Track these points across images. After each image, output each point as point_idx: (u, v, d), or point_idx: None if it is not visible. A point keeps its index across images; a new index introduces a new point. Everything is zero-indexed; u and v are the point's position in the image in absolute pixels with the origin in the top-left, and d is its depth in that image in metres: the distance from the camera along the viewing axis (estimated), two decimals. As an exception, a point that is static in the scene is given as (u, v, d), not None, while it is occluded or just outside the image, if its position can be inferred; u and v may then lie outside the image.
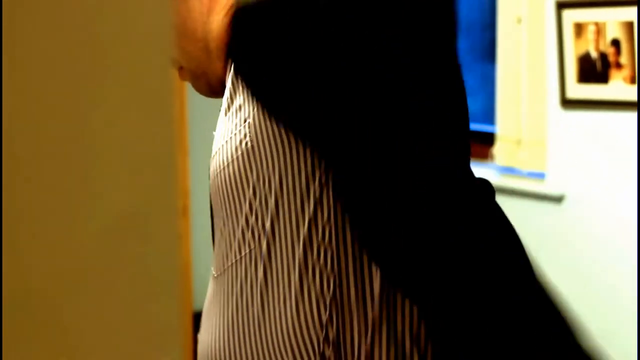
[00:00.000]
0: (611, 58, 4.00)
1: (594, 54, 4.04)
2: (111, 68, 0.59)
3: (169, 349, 0.61)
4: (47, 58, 0.56)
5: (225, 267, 1.39)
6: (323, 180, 1.29)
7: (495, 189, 1.46)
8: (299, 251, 1.31)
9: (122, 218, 0.53)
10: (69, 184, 0.52)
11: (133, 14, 0.60)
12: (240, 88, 1.35)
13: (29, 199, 0.53)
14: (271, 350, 1.34)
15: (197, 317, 1.69)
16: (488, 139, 4.64)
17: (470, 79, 4.84)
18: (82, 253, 0.55)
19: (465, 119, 1.36)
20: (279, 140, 1.30)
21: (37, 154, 0.55)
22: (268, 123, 1.30)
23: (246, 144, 1.33)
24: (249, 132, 1.32)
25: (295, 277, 1.31)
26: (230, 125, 1.36)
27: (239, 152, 1.33)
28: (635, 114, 3.96)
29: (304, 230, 1.30)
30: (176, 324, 0.61)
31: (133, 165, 0.56)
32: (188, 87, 1.58)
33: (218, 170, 1.38)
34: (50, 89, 0.56)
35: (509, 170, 4.52)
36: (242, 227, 1.35)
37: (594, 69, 4.06)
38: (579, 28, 4.07)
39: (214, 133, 1.43)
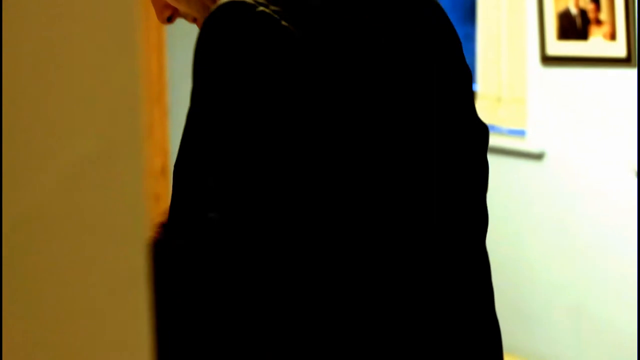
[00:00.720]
0: (591, 15, 3.99)
1: (573, 11, 4.03)
2: (73, 6, 0.58)
3: (134, 301, 0.60)
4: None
5: None
6: None
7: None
8: None
9: (84, 164, 0.52)
10: (28, 126, 0.51)
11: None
12: None
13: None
14: None
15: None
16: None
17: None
18: (43, 198, 0.54)
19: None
20: None
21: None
22: None
23: None
24: None
25: None
26: None
27: None
28: (615, 70, 3.96)
29: None
30: (144, 277, 0.60)
31: (96, 109, 0.55)
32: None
33: None
34: (12, 30, 0.54)
35: (489, 128, 4.52)
36: None
37: (573, 26, 4.05)
38: (559, -16, 4.06)
39: None
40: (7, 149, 0.50)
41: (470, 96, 1.49)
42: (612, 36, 3.93)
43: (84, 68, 0.54)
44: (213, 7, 1.28)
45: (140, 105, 0.56)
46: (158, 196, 3.71)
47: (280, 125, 1.23)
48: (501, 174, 4.38)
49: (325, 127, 1.25)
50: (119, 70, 0.55)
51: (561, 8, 4.06)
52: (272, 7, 1.24)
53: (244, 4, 1.24)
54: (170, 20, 1.55)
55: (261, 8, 1.23)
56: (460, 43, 1.49)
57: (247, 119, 1.23)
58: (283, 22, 1.23)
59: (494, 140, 4.37)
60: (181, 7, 1.49)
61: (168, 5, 1.52)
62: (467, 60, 1.49)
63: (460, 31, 1.48)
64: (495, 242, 4.46)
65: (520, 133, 4.40)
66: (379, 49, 1.31)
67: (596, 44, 3.99)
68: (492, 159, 4.41)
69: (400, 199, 1.33)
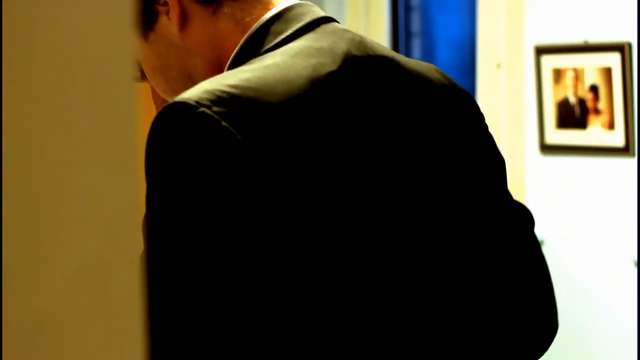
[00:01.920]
0: (589, 104, 4.02)
1: (572, 100, 4.07)
2: (76, 121, 0.59)
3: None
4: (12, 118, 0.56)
5: None
6: None
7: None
8: None
9: (83, 271, 0.53)
10: (27, 237, 0.52)
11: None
12: None
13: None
14: None
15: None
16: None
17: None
18: (43, 306, 0.54)
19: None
20: None
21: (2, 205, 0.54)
22: None
23: None
24: None
25: None
26: None
27: None
28: (613, 159, 3.98)
29: None
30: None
31: (94, 218, 0.56)
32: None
33: None
34: (13, 140, 0.55)
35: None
36: None
37: (572, 115, 4.08)
38: (558, 74, 4.10)
39: None
40: (9, 258, 0.51)
41: (502, 183, 1.49)
42: (611, 125, 3.96)
43: (84, 179, 0.55)
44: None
45: (137, 214, 0.57)
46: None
47: (226, 226, 1.23)
48: (500, 261, 4.38)
49: (274, 227, 1.25)
50: (117, 182, 0.56)
51: (560, 97, 4.10)
52: (215, 108, 1.25)
53: (186, 105, 1.25)
54: None
55: (202, 109, 1.25)
56: (487, 131, 1.49)
57: (194, 221, 1.24)
58: (224, 123, 1.24)
59: (493, 228, 4.37)
60: None
61: (165, 101, 1.53)
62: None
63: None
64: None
65: (519, 220, 4.40)
66: (340, 144, 1.31)
67: (595, 133, 4.02)
68: (491, 246, 4.42)
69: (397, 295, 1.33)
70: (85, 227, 0.57)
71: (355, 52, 1.38)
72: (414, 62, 1.45)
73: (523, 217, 1.49)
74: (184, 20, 1.44)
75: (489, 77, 4.57)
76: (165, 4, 1.44)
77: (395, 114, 1.37)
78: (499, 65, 4.52)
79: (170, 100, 1.52)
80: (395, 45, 5.04)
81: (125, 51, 0.62)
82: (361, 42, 1.40)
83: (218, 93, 1.26)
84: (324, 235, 1.28)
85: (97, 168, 0.56)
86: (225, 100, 1.26)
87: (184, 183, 1.24)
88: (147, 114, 1.56)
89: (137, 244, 0.57)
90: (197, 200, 1.24)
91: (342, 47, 1.37)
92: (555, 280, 4.45)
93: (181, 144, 1.25)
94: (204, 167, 1.23)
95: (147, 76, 1.52)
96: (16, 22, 0.57)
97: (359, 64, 1.37)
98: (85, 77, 0.60)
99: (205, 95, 1.26)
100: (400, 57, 1.44)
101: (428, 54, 5.15)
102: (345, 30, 1.42)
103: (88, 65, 0.60)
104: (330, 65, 1.34)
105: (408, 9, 5.11)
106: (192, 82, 1.44)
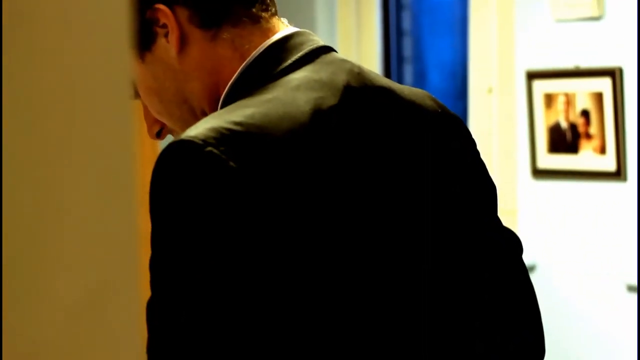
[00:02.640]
0: (581, 128, 4.04)
1: (564, 124, 4.08)
2: (76, 149, 0.59)
3: None
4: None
5: None
6: None
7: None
8: None
9: (80, 305, 0.53)
10: (23, 271, 0.52)
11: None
12: None
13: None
14: None
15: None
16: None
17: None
18: (41, 336, 0.54)
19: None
20: None
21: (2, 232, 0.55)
22: None
23: None
24: None
25: None
26: None
27: None
28: (605, 184, 3.99)
29: None
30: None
31: (94, 244, 0.56)
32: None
33: None
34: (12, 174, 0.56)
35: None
36: None
37: (564, 139, 4.09)
38: (549, 98, 4.11)
39: None
40: (7, 288, 0.51)
41: (493, 210, 1.50)
42: (602, 150, 3.98)
43: (83, 206, 0.55)
44: (171, 141, 1.30)
45: (135, 242, 0.57)
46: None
47: (234, 265, 1.24)
48: (492, 286, 4.38)
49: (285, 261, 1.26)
50: (115, 207, 0.56)
51: (551, 122, 4.11)
52: (221, 147, 1.25)
53: (192, 144, 1.26)
54: (159, 135, 1.56)
55: (209, 148, 1.25)
56: (478, 156, 1.50)
57: (200, 260, 1.25)
58: (231, 163, 1.25)
59: (485, 252, 4.37)
60: (167, 122, 1.52)
61: (157, 120, 1.54)
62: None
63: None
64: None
65: (512, 245, 4.41)
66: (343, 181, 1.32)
67: (586, 158, 4.03)
68: (483, 270, 4.42)
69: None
70: (83, 256, 0.57)
71: (354, 84, 1.39)
72: (409, 91, 1.46)
73: (513, 244, 1.50)
74: (182, 43, 1.43)
75: (480, 102, 4.59)
76: (165, 26, 1.43)
77: (391, 144, 1.39)
78: (490, 90, 4.54)
79: (165, 124, 1.53)
80: (387, 70, 5.06)
81: (122, 70, 0.62)
82: (359, 74, 1.41)
83: (223, 131, 1.26)
84: (322, 270, 1.29)
85: (95, 194, 0.57)
86: (231, 139, 1.26)
87: (191, 222, 1.25)
88: (141, 134, 1.57)
89: (135, 272, 0.57)
90: (205, 239, 1.24)
91: (341, 79, 1.38)
92: (547, 304, 4.47)
93: (188, 184, 1.25)
94: (211, 207, 1.24)
95: (142, 96, 1.51)
96: (15, 43, 0.57)
97: (358, 96, 1.38)
98: (83, 100, 0.61)
99: (211, 134, 1.26)
100: (395, 86, 1.45)
101: (420, 79, 5.17)
102: (344, 61, 1.43)
103: (85, 89, 0.61)
104: (330, 98, 1.35)
105: (400, 34, 5.14)
106: (187, 105, 1.45)
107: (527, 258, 4.27)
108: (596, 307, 4.05)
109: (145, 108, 1.54)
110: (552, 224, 4.18)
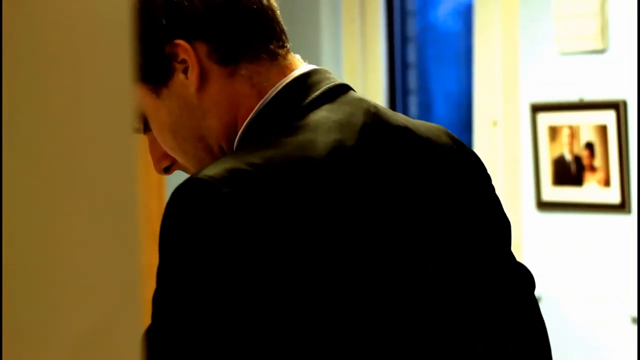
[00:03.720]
0: (585, 161, 4.04)
1: (568, 157, 4.09)
2: (79, 182, 0.60)
3: None
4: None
5: None
6: None
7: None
8: None
9: (84, 338, 0.54)
10: (28, 303, 0.53)
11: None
12: None
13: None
14: None
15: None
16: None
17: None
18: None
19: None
20: None
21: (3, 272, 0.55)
22: None
23: None
24: None
25: None
26: None
27: None
28: (609, 216, 3.99)
29: None
30: None
31: (96, 283, 0.57)
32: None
33: None
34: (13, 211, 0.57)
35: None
36: None
37: (568, 172, 4.10)
38: (554, 131, 4.12)
39: None
40: (11, 325, 0.52)
41: (507, 244, 1.50)
42: (607, 183, 3.98)
43: (84, 241, 0.56)
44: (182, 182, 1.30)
45: (138, 277, 0.58)
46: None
47: (239, 308, 1.25)
48: (497, 318, 4.37)
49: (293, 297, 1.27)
50: (120, 245, 0.57)
51: (556, 154, 4.12)
52: (237, 190, 1.25)
53: (209, 184, 1.26)
54: (167, 171, 1.54)
55: (225, 190, 1.25)
56: (491, 189, 1.50)
57: (206, 300, 1.25)
58: (245, 207, 1.25)
59: (489, 284, 4.36)
60: (180, 159, 1.49)
61: (167, 155, 1.52)
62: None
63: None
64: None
65: (516, 277, 4.40)
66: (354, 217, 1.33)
67: (591, 190, 4.03)
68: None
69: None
70: (87, 291, 0.58)
71: (371, 124, 1.39)
72: (424, 127, 1.46)
73: (526, 278, 1.51)
74: (202, 80, 1.42)
75: (485, 134, 4.60)
76: (183, 61, 1.41)
77: (405, 182, 1.40)
78: (495, 123, 4.55)
79: (176, 160, 1.51)
80: (392, 102, 5.08)
81: (124, 105, 0.63)
82: (376, 114, 1.42)
83: (241, 174, 1.27)
84: (327, 319, 1.29)
85: (99, 229, 0.57)
86: (248, 182, 1.27)
87: (199, 262, 1.25)
88: (145, 166, 1.56)
89: (139, 307, 0.58)
90: (211, 279, 1.25)
91: (359, 120, 1.39)
92: (552, 335, 4.44)
93: (200, 224, 1.25)
94: (220, 249, 1.25)
95: (155, 131, 1.48)
96: (17, 72, 0.58)
97: (375, 137, 1.39)
98: (87, 136, 0.61)
99: (228, 175, 1.26)
100: (411, 124, 1.45)
101: (425, 111, 5.18)
102: (361, 100, 1.44)
103: (87, 124, 0.62)
104: (348, 140, 1.36)
105: (405, 66, 5.16)
106: (203, 143, 1.44)
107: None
108: (601, 339, 4.04)
109: (151, 142, 1.52)
110: (557, 255, 4.18)
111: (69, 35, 0.60)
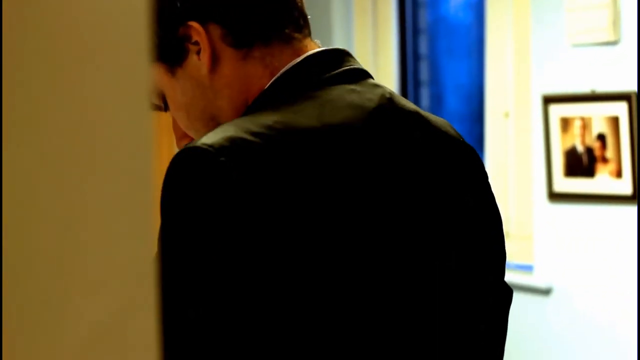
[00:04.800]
0: (597, 152, 4.04)
1: (580, 148, 4.09)
2: (97, 170, 0.61)
3: None
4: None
5: None
6: None
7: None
8: None
9: (99, 329, 0.55)
10: (45, 294, 0.54)
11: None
12: None
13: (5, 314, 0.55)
14: None
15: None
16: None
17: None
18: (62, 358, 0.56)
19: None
20: None
21: (13, 263, 0.56)
22: None
23: None
24: None
25: None
26: None
27: None
28: (621, 207, 3.99)
29: None
30: None
31: (111, 274, 0.58)
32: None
33: None
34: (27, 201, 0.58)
35: (497, 263, 4.53)
36: None
37: (580, 163, 4.10)
38: (565, 123, 4.12)
39: None
40: (27, 315, 0.53)
41: (500, 258, 1.51)
42: (618, 174, 3.98)
43: (101, 230, 0.57)
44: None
45: (153, 271, 0.59)
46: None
47: (231, 270, 1.26)
48: (509, 309, 4.38)
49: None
50: (135, 233, 0.58)
51: (568, 146, 4.12)
52: (234, 158, 1.25)
53: (206, 152, 1.26)
54: None
55: (221, 158, 1.25)
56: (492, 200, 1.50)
57: (199, 260, 1.26)
58: (237, 174, 1.25)
59: (501, 275, 4.36)
60: (194, 137, 1.50)
61: (186, 135, 1.54)
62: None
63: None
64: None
65: (528, 268, 4.41)
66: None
67: (602, 182, 4.03)
68: (499, 293, 4.42)
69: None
70: (103, 279, 0.59)
71: (384, 108, 1.39)
72: (434, 117, 1.47)
73: (508, 292, 1.53)
74: (214, 62, 1.43)
75: (497, 126, 4.60)
76: (197, 43, 1.43)
77: (415, 168, 1.39)
78: (507, 115, 4.55)
79: (194, 139, 1.53)
80: (404, 94, 5.08)
81: (142, 83, 0.64)
82: (391, 99, 1.41)
83: (240, 143, 1.27)
84: (325, 273, 1.29)
85: (114, 216, 0.59)
86: (247, 152, 1.27)
87: (193, 226, 1.26)
88: (167, 146, 1.57)
89: (154, 295, 0.59)
90: (206, 242, 1.26)
91: (373, 103, 1.38)
92: (563, 326, 4.44)
93: (195, 190, 1.26)
94: (214, 214, 1.25)
95: (171, 110, 1.51)
96: (31, 57, 0.59)
97: (387, 120, 1.38)
98: (103, 119, 0.62)
99: (227, 144, 1.27)
100: (423, 112, 1.45)
101: (437, 103, 5.19)
102: (378, 85, 1.44)
103: (104, 110, 0.63)
104: (358, 121, 1.35)
105: (416, 57, 5.16)
106: (214, 123, 1.44)
107: (544, 281, 4.27)
108: (611, 329, 4.04)
109: (175, 121, 1.54)
110: (568, 247, 4.18)
111: (89, 15, 0.61)
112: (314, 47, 1.46)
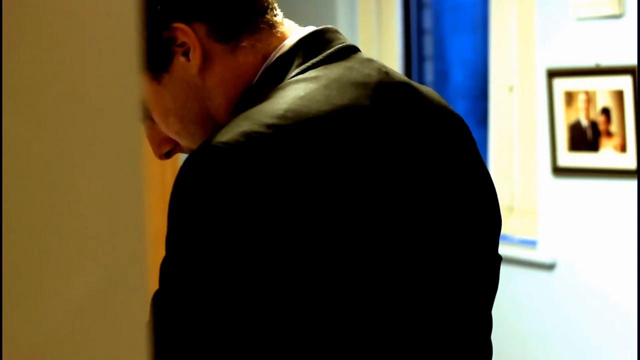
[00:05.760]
0: (601, 126, 4.04)
1: (584, 123, 4.08)
2: (84, 149, 0.61)
3: None
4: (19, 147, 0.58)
5: None
6: None
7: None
8: None
9: (89, 296, 0.55)
10: (34, 262, 0.54)
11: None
12: None
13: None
14: None
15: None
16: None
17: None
18: (47, 331, 0.56)
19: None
20: None
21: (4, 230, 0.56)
22: None
23: None
24: None
25: None
26: None
27: None
28: (625, 182, 3.99)
29: None
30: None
31: (102, 242, 0.58)
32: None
33: None
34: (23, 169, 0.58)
35: (501, 238, 4.53)
36: None
37: (584, 137, 4.09)
38: (570, 97, 4.12)
39: None
40: (10, 283, 0.53)
41: (495, 225, 1.51)
42: (623, 148, 3.97)
43: (90, 205, 0.57)
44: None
45: (142, 239, 0.59)
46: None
47: (244, 270, 1.25)
48: (512, 284, 4.39)
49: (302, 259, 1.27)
50: (123, 206, 0.58)
51: (572, 120, 4.12)
52: (252, 154, 1.24)
53: (223, 150, 1.25)
54: (168, 155, 1.54)
55: (238, 157, 1.23)
56: (485, 171, 1.50)
57: (212, 262, 1.25)
58: (257, 172, 1.23)
59: (505, 250, 4.38)
60: (186, 142, 1.49)
61: (168, 140, 1.52)
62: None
63: (473, 136, 1.53)
64: (505, 353, 4.44)
65: (532, 243, 4.42)
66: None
67: (607, 156, 4.03)
68: (503, 268, 4.41)
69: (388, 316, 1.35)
70: (89, 253, 0.59)
71: (384, 84, 1.39)
72: (421, 86, 1.47)
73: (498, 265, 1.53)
74: (205, 60, 1.42)
75: (501, 100, 4.59)
76: (183, 44, 1.41)
77: (417, 142, 1.39)
78: (511, 89, 4.54)
79: (177, 144, 1.51)
80: (408, 69, 5.07)
81: (132, 93, 0.64)
82: (387, 73, 1.41)
83: (256, 138, 1.26)
84: (336, 272, 1.29)
85: (102, 191, 0.59)
86: (264, 147, 1.25)
87: (210, 228, 1.24)
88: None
89: (142, 269, 0.59)
90: (219, 244, 1.24)
91: (373, 79, 1.39)
92: (567, 301, 4.45)
93: (215, 193, 1.23)
94: (234, 218, 1.23)
95: (157, 118, 1.47)
96: (22, 65, 0.59)
97: (389, 96, 1.38)
98: (92, 110, 0.62)
99: (243, 140, 1.25)
100: (413, 83, 1.46)
101: (441, 77, 5.17)
102: (371, 60, 1.44)
103: (94, 105, 0.63)
104: (364, 99, 1.35)
105: (420, 32, 5.15)
106: (212, 122, 1.43)
107: (548, 255, 4.28)
108: (615, 303, 4.05)
109: (150, 129, 1.52)
110: (572, 221, 4.18)
111: (75, 25, 0.61)
112: (295, 27, 1.47)
